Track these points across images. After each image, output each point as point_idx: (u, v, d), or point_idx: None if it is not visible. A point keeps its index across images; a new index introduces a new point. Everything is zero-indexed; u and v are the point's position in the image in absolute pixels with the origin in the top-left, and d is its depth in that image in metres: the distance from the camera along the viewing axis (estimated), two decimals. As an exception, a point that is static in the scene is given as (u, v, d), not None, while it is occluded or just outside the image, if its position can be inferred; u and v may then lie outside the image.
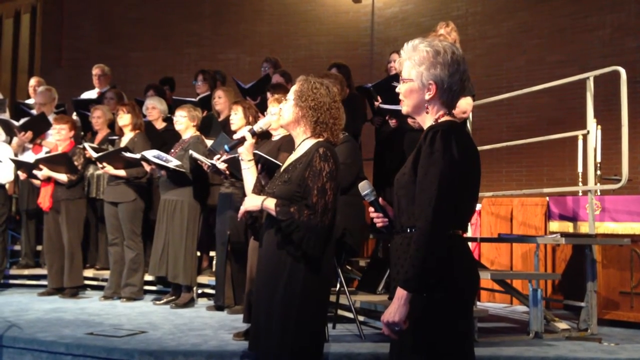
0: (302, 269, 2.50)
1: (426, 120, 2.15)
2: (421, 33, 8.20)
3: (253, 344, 2.66)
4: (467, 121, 5.05)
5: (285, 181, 2.60)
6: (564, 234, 4.65)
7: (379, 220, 2.25)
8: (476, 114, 6.04)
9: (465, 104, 4.71)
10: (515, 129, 7.88)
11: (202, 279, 5.80)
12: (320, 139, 2.64)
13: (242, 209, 2.67)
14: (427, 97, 2.11)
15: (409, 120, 5.04)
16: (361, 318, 4.39)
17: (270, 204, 2.55)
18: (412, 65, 2.13)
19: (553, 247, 5.66)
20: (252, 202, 2.64)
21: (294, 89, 2.72)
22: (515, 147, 6.25)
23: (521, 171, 7.99)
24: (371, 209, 2.27)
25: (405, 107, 2.19)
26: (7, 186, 6.18)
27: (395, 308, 1.96)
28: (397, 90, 2.24)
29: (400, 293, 1.96)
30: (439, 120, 2.11)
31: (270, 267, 2.56)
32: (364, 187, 2.29)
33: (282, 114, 2.75)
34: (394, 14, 9.47)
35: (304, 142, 2.68)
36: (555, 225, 5.10)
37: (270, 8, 9.99)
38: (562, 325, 4.40)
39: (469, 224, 2.16)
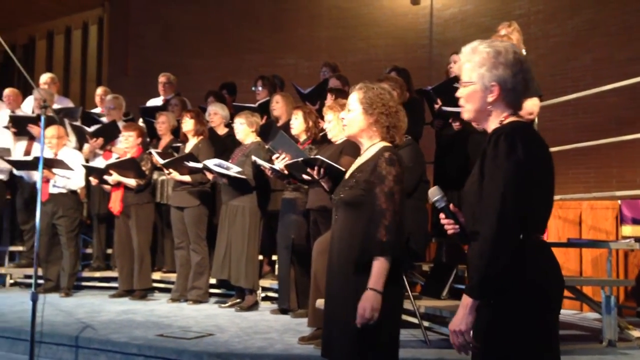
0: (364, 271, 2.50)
1: (490, 124, 2.07)
2: (481, 34, 8.09)
3: (325, 350, 2.67)
4: (533, 123, 4.93)
5: (352, 186, 2.61)
6: (638, 239, 4.48)
7: (450, 227, 2.18)
8: (541, 114, 5.88)
9: (531, 105, 4.61)
10: (582, 130, 7.64)
11: (265, 283, 5.88)
12: (388, 143, 2.65)
13: (364, 320, 2.39)
14: (489, 99, 2.04)
15: (473, 123, 4.98)
16: (426, 323, 4.36)
17: (380, 278, 2.39)
18: (473, 67, 2.07)
19: (625, 252, 5.46)
20: (371, 304, 2.37)
21: (357, 97, 2.68)
22: (582, 148, 6.06)
23: (588, 173, 7.74)
24: (442, 215, 2.21)
25: (466, 113, 2.11)
26: (78, 192, 6.41)
27: (461, 316, 1.92)
28: (457, 94, 2.17)
29: (466, 301, 1.92)
30: (504, 122, 2.03)
31: (343, 272, 2.57)
32: (435, 193, 2.23)
33: (349, 124, 2.73)
34: (453, 14, 9.35)
35: (371, 147, 2.68)
36: (628, 230, 4.93)
37: (327, 12, 10.04)
38: (637, 333, 4.24)
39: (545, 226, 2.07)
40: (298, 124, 5.12)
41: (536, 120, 5.12)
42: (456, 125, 5.30)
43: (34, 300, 3.53)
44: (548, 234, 5.92)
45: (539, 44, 8.29)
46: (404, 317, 4.51)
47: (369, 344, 2.46)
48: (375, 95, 2.65)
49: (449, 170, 5.38)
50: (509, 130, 1.96)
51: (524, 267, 1.90)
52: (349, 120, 2.71)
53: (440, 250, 5.74)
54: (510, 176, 1.88)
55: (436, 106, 5.63)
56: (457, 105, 5.40)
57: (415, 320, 4.31)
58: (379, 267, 2.42)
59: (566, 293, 4.75)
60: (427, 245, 5.90)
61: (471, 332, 1.92)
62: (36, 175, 6.17)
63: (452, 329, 1.95)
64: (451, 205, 2.21)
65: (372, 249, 2.44)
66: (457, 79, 5.57)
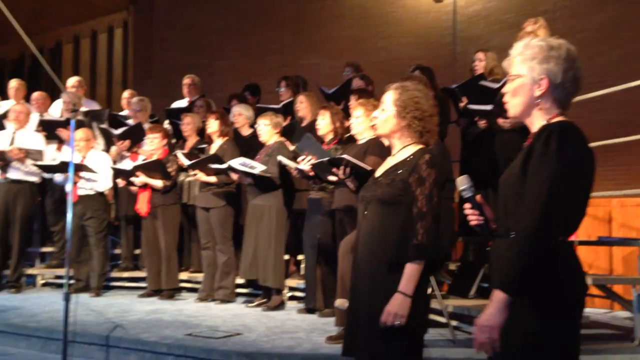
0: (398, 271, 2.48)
1: (535, 120, 2.03)
2: (506, 30, 8.07)
3: (348, 349, 2.68)
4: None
5: (388, 184, 2.58)
6: (669, 236, 4.41)
7: (473, 217, 2.14)
8: (569, 111, 5.82)
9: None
10: (610, 126, 7.51)
11: (291, 282, 5.90)
12: (423, 146, 2.64)
13: (390, 323, 2.41)
14: (537, 93, 1.99)
15: (500, 121, 4.94)
16: (454, 323, 4.34)
17: (406, 279, 2.42)
18: (523, 60, 2.03)
19: (657, 250, 5.37)
20: (401, 308, 2.41)
21: (392, 98, 2.67)
22: (611, 145, 5.97)
23: (618, 170, 7.60)
24: (467, 205, 2.16)
25: (512, 108, 2.07)
26: (106, 193, 6.51)
27: (492, 312, 1.88)
28: (503, 90, 2.12)
29: (498, 296, 1.88)
30: (552, 121, 1.98)
31: (370, 269, 2.57)
32: (463, 182, 2.17)
33: (381, 124, 2.72)
34: (476, 11, 9.26)
35: (405, 148, 2.66)
36: (659, 227, 4.84)
37: (350, 12, 10.02)
38: (669, 332, 4.17)
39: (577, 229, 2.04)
40: (324, 124, 5.13)
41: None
42: (482, 123, 5.27)
43: (67, 300, 3.58)
44: (577, 233, 5.84)
45: (565, 40, 8.18)
46: (432, 316, 4.50)
47: (395, 345, 2.45)
48: (409, 98, 2.63)
49: (476, 169, 5.35)
50: (560, 128, 1.92)
51: (557, 267, 1.88)
52: (381, 120, 2.71)
53: (467, 250, 5.71)
54: (559, 175, 1.85)
55: (461, 104, 5.60)
56: (482, 103, 5.37)
57: (443, 320, 4.29)
58: (411, 270, 2.43)
59: (596, 291, 4.71)
60: (454, 244, 5.88)
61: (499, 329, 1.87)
62: (63, 178, 6.29)
63: (481, 324, 1.89)
64: (478, 197, 2.17)
65: (409, 251, 2.44)
66: (482, 76, 5.57)
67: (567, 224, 1.93)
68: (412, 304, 2.42)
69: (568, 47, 2.03)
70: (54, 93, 8.10)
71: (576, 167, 1.88)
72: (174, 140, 6.87)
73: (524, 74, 2.02)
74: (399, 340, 2.45)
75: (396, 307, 2.39)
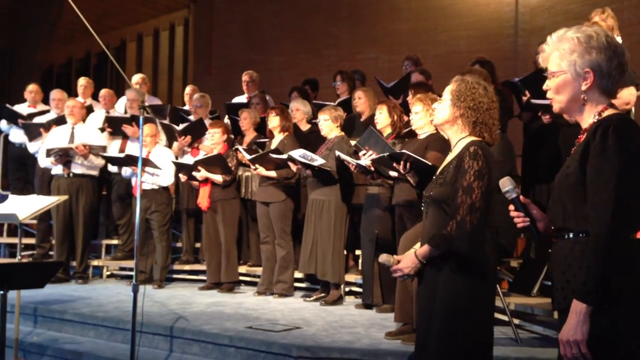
0: (464, 275, 2.47)
1: (585, 115, 1.97)
2: (570, 21, 7.80)
3: (420, 348, 2.67)
4: (630, 113, 4.70)
5: (441, 183, 2.60)
6: None
7: (519, 220, 2.09)
8: (637, 104, 5.60)
9: (628, 95, 4.40)
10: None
11: (349, 277, 5.91)
12: (476, 138, 2.60)
13: (400, 273, 2.62)
14: (584, 87, 1.94)
15: (565, 115, 4.80)
16: (516, 321, 4.25)
17: (424, 250, 2.54)
18: (562, 55, 1.97)
19: None
20: (407, 264, 2.60)
21: (449, 88, 2.69)
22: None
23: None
24: (511, 207, 2.12)
25: (557, 105, 2.02)
26: (169, 187, 6.67)
27: (575, 324, 1.79)
28: (544, 87, 2.07)
29: (579, 307, 1.80)
30: (604, 114, 1.92)
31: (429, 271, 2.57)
32: (506, 184, 2.14)
33: (436, 114, 2.74)
34: (539, 2, 9.02)
35: (459, 142, 2.65)
36: None
37: (408, 5, 9.93)
38: None
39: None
40: (383, 119, 5.11)
41: (633, 110, 4.88)
42: (546, 118, 5.13)
43: (135, 291, 3.70)
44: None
45: (633, 30, 7.86)
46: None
47: (465, 345, 2.45)
48: (467, 88, 2.62)
49: (538, 163, 5.22)
50: (616, 123, 1.86)
51: (635, 268, 1.81)
52: (437, 109, 2.72)
53: (529, 246, 5.58)
54: (623, 172, 1.79)
55: (524, 98, 5.46)
56: (545, 97, 5.24)
57: (504, 318, 4.21)
58: (430, 251, 2.52)
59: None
60: (516, 240, 5.76)
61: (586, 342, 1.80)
62: (130, 172, 6.48)
63: (565, 339, 1.82)
64: (521, 197, 2.12)
65: (434, 238, 2.51)
66: (545, 69, 5.41)
67: (637, 220, 1.85)
68: (477, 304, 2.43)
69: (606, 34, 1.95)
70: (117, 90, 8.36)
71: (639, 161, 1.81)
72: (232, 136, 6.97)
73: (566, 69, 1.96)
74: (469, 340, 2.47)
75: (402, 264, 2.60)
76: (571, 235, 1.92)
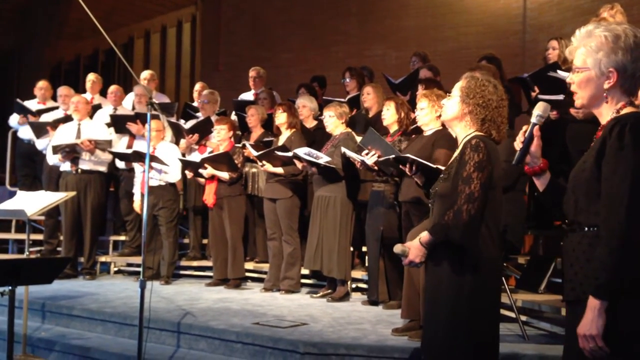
0: (463, 267, 2.49)
1: (604, 112, 2.01)
2: (579, 17, 7.75)
3: (427, 349, 2.68)
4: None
5: (445, 178, 2.62)
6: None
7: (518, 141, 2.21)
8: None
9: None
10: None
11: (356, 274, 5.90)
12: (481, 133, 2.60)
13: (407, 260, 2.64)
14: (606, 86, 1.97)
15: (572, 111, 4.77)
16: (523, 318, 4.24)
17: (426, 237, 2.57)
18: (588, 52, 1.99)
19: None
20: (415, 252, 2.61)
21: (459, 85, 2.70)
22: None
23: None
24: (524, 127, 2.21)
25: (579, 100, 2.05)
26: (177, 184, 6.68)
27: (590, 320, 1.84)
28: (568, 80, 2.10)
29: (594, 303, 1.84)
30: (622, 112, 1.95)
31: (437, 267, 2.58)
32: (540, 108, 2.22)
33: (445, 109, 2.75)
34: (548, -2, 8.96)
35: (465, 138, 2.65)
36: None
37: (416, 2, 9.89)
38: None
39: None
40: (390, 115, 5.10)
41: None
42: (553, 114, 5.10)
43: (142, 287, 3.70)
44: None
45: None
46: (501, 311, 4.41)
47: (470, 342, 2.45)
48: (476, 85, 2.63)
49: (548, 159, 5.19)
50: (633, 121, 1.88)
51: None
52: (446, 105, 2.72)
53: (537, 243, 5.57)
54: (638, 170, 1.82)
55: (533, 94, 5.44)
56: (554, 93, 5.21)
57: (512, 315, 4.20)
58: (429, 239, 2.56)
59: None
60: (523, 237, 5.74)
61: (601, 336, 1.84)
62: (139, 168, 6.49)
63: (582, 333, 1.87)
64: (536, 129, 2.18)
65: (433, 227, 2.56)
66: (556, 65, 5.38)
67: None
68: (483, 300, 2.43)
69: (635, 33, 1.96)
70: (125, 87, 8.38)
71: None
72: (238, 132, 6.97)
73: (591, 66, 1.99)
74: (474, 338, 2.50)
75: (411, 254, 2.61)
76: (586, 229, 1.95)
